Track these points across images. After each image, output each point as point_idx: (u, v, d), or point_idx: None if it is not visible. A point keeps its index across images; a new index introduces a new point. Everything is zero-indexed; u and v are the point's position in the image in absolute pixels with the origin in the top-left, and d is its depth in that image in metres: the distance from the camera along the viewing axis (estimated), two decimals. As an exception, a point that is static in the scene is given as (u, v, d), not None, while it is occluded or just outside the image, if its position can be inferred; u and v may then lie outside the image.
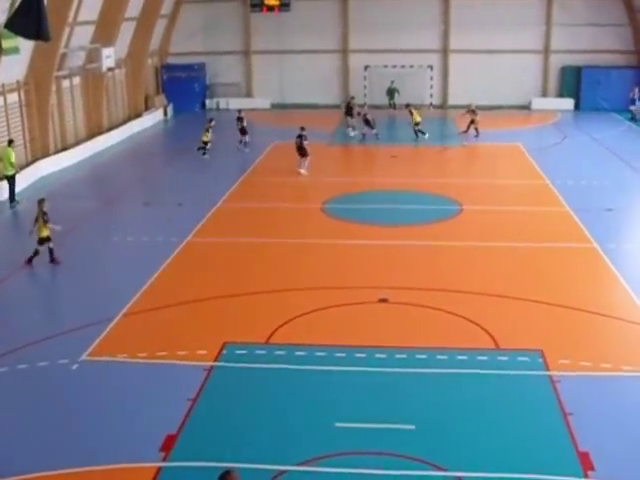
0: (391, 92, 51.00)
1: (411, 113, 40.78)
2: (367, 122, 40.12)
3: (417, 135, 40.41)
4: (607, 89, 50.72)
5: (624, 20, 50.92)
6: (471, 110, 41.25)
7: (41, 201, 21.90)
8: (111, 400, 14.25)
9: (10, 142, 29.42)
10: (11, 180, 28.28)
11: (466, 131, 41.30)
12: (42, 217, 21.57)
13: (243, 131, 38.75)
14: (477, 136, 40.61)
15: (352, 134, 41.79)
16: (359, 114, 41.70)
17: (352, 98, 45.35)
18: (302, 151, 33.06)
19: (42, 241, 21.69)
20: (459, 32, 51.88)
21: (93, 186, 32.71)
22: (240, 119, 38.80)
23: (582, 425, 13.17)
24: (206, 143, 36.52)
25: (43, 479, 11.74)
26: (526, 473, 11.85)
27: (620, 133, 43.68)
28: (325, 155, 37.73)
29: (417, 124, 40.42)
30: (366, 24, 51.97)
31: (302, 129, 33.36)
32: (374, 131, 40.07)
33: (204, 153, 36.37)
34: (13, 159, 28.50)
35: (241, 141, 38.77)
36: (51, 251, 21.80)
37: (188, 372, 15.20)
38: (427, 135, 40.35)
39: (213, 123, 37.09)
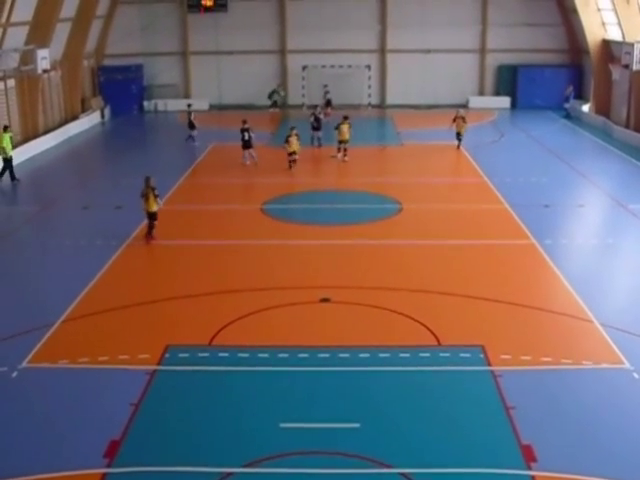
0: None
1: (464, 121, 37.96)
2: (317, 121, 38.65)
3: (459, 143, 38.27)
4: (542, 87, 51.67)
5: (558, 20, 51.88)
6: (460, 117, 38.16)
7: (148, 178, 23.57)
8: (53, 407, 14.03)
9: (5, 128, 32.91)
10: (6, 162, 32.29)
11: (458, 146, 38.18)
12: (152, 193, 23.32)
13: (191, 125, 39.02)
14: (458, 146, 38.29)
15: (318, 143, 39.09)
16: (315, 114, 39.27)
17: (316, 107, 40.74)
18: (249, 144, 34.37)
19: (151, 216, 23.48)
20: (396, 32, 52.35)
21: (30, 190, 32.18)
22: (189, 113, 39.56)
23: (524, 418, 13.35)
24: (293, 153, 33.72)
25: (-17, 489, 11.55)
26: (470, 467, 11.98)
27: (556, 130, 44.43)
28: (264, 156, 37.63)
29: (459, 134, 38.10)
30: (304, 24, 52.11)
31: (244, 122, 34.37)
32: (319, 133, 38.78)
33: (291, 163, 33.74)
34: (4, 143, 32.09)
35: (190, 136, 38.99)
36: (152, 227, 23.62)
37: (131, 376, 15.03)
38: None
39: (295, 132, 33.74)
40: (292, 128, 34.03)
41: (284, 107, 52.77)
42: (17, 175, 32.53)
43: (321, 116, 39.37)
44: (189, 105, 41.01)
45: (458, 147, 38.00)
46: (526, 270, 21.19)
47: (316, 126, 38.51)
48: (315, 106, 40.87)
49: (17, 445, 12.73)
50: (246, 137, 34.40)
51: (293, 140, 33.21)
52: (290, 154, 33.46)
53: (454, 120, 38.03)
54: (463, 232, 24.53)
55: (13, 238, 24.50)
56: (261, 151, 38.14)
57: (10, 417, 13.70)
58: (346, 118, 35.93)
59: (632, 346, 16.06)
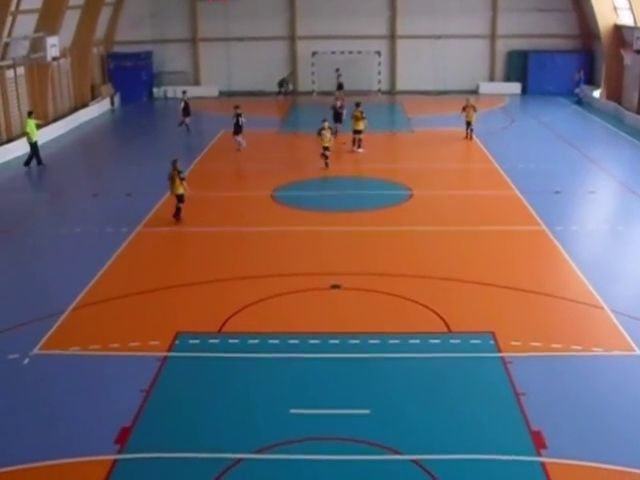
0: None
1: (474, 109, 36.81)
2: (337, 114, 37.15)
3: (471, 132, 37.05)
4: (553, 73, 51.47)
5: (569, 5, 51.60)
6: (471, 105, 36.87)
7: (175, 161, 24.33)
8: (64, 393, 14.09)
9: (30, 113, 34.17)
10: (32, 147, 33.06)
11: (470, 136, 37.18)
12: (178, 176, 24.04)
13: (186, 112, 39.20)
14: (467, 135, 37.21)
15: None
16: (335, 106, 37.78)
17: (336, 100, 39.08)
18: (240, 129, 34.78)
19: (178, 198, 24.22)
20: (406, 18, 52.14)
21: (41, 178, 32.24)
22: (182, 100, 40.01)
23: (534, 405, 13.35)
24: (327, 148, 31.47)
25: (-4, 475, 11.62)
26: (480, 454, 11.98)
27: (567, 116, 44.26)
28: (274, 143, 37.69)
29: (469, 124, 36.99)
30: (313, 10, 52.00)
31: (237, 107, 34.95)
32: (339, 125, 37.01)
33: (326, 160, 31.54)
34: (28, 128, 32.96)
35: (182, 122, 39.12)
36: (179, 209, 24.25)
37: (141, 363, 15.07)
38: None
39: (327, 124, 31.83)
40: (324, 120, 31.97)
41: (293, 93, 52.65)
42: (30, 163, 32.67)
43: (342, 111, 37.46)
44: (184, 92, 41.09)
45: (469, 137, 37.01)
46: (537, 256, 21.14)
47: (337, 118, 37.14)
48: (336, 98, 40.24)
49: (28, 431, 12.80)
50: (240, 122, 34.64)
51: (327, 134, 31.44)
52: (324, 149, 31.38)
53: (464, 109, 37.11)
54: (473, 218, 24.48)
55: (24, 226, 24.55)
56: (272, 137, 38.31)
57: (21, 403, 13.77)
58: (358, 105, 34.70)
59: (643, 333, 16.04)
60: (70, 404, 13.70)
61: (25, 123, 33.73)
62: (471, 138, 36.97)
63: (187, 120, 39.64)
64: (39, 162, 32.87)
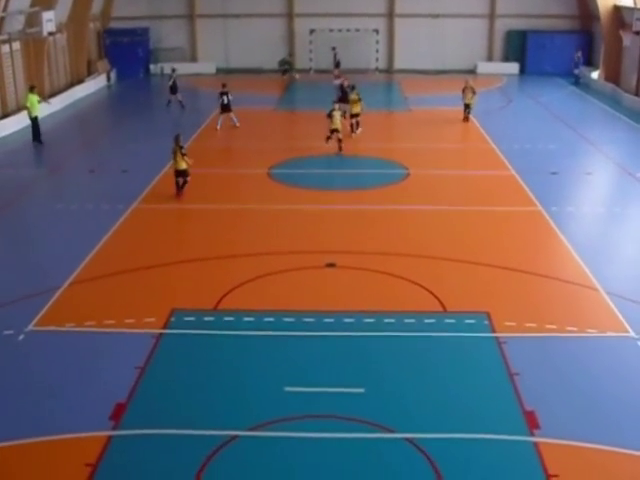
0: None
1: (473, 92, 36.17)
2: (344, 94, 35.31)
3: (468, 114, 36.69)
4: (551, 53, 51.29)
5: (568, -15, 51.36)
6: (470, 87, 36.15)
7: (177, 136, 24.57)
8: (59, 370, 14.10)
9: (32, 88, 33.86)
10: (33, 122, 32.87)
11: (467, 117, 36.71)
12: (180, 151, 24.15)
13: (173, 89, 39.15)
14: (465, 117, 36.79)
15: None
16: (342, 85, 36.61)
17: (341, 79, 38.33)
18: (229, 107, 34.57)
19: (179, 173, 24.32)
20: (405, -4, 51.88)
21: (36, 153, 32.14)
22: (170, 77, 39.78)
23: (528, 385, 13.39)
24: (336, 130, 30.43)
25: (-10, 450, 11.64)
26: (474, 433, 12.03)
27: (564, 97, 44.17)
28: (271, 120, 37.61)
29: (468, 106, 36.38)
30: (312, -13, 51.69)
31: (224, 86, 34.51)
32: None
33: (328, 139, 30.58)
34: (28, 103, 32.82)
35: (170, 101, 38.76)
36: (184, 184, 24.43)
37: (136, 340, 15.09)
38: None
39: (337, 106, 31.05)
40: (334, 102, 31.62)
41: (292, 72, 52.47)
42: (25, 138, 32.56)
43: (348, 89, 35.43)
44: (173, 69, 40.67)
45: (466, 119, 36.54)
46: (532, 237, 21.16)
47: (343, 97, 35.21)
48: (336, 76, 39.58)
49: (23, 408, 12.82)
50: (225, 101, 34.47)
51: (336, 115, 30.61)
52: (332, 131, 30.33)
53: (463, 90, 36.49)
54: (469, 198, 24.48)
55: (20, 201, 24.51)
56: (268, 115, 38.17)
57: (17, 380, 13.79)
58: (353, 88, 34.01)
59: (637, 315, 16.04)
60: (65, 380, 13.72)
61: (26, 97, 33.57)
62: (467, 120, 36.71)
63: (179, 97, 39.32)
64: (35, 139, 32.70)
